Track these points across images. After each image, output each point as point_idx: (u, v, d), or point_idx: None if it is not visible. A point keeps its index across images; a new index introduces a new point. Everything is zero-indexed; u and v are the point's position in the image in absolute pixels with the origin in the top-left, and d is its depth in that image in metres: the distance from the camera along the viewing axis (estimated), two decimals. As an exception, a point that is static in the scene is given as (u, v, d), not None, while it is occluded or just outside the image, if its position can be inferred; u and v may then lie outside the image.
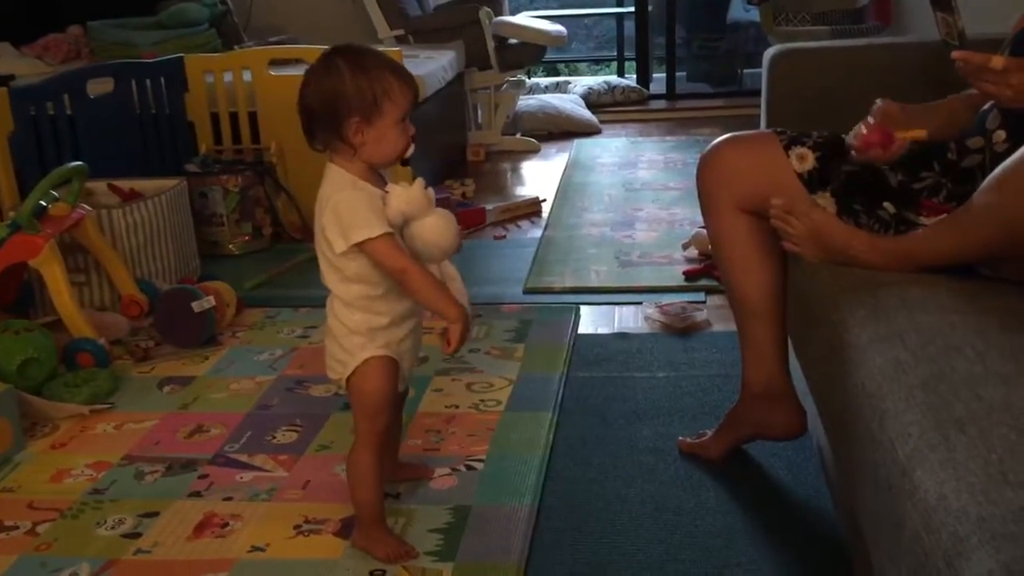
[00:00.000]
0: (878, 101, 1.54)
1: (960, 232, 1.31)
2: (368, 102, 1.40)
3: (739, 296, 1.70)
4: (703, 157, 1.69)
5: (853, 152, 1.52)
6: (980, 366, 1.06)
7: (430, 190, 1.46)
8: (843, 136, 1.63)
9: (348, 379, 1.51)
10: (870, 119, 1.51)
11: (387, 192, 1.44)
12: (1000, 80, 1.33)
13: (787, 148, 1.60)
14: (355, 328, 1.49)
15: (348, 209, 1.41)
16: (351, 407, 1.56)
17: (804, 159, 1.59)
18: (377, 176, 1.48)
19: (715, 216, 1.68)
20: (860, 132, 1.51)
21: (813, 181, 1.58)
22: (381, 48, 3.72)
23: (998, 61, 1.32)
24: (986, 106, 1.47)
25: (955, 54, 1.36)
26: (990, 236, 1.27)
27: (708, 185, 1.68)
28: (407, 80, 1.44)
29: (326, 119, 1.42)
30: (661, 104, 5.42)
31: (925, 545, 0.86)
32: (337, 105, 1.41)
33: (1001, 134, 1.42)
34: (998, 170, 1.26)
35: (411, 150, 1.48)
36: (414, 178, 1.48)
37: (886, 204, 1.53)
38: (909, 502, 0.91)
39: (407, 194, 1.42)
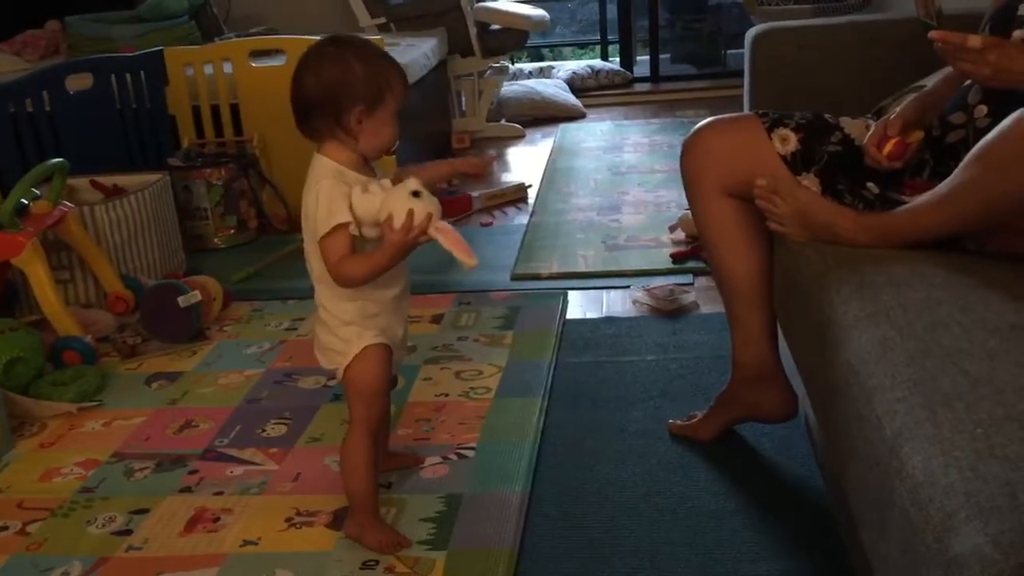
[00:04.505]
0: (895, 110, 1.52)
1: (943, 207, 1.31)
2: (374, 92, 1.42)
3: (726, 279, 1.70)
4: (686, 142, 1.69)
5: (871, 161, 1.51)
6: (966, 341, 1.06)
7: (374, 185, 1.43)
8: (825, 116, 1.63)
9: (345, 368, 1.51)
10: (889, 132, 1.49)
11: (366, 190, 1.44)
12: (978, 59, 1.32)
13: (770, 130, 1.60)
14: (349, 318, 1.49)
15: (326, 198, 1.42)
16: (346, 396, 1.55)
17: (787, 141, 1.59)
18: (367, 166, 1.49)
19: (700, 200, 1.68)
20: (873, 145, 1.49)
21: (796, 162, 1.58)
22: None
23: (975, 40, 1.31)
24: (967, 81, 1.47)
25: (932, 34, 1.35)
26: (972, 210, 1.28)
27: (692, 169, 1.68)
28: (404, 76, 1.47)
29: (328, 107, 1.43)
30: (645, 87, 5.41)
31: (914, 521, 0.87)
32: (343, 93, 1.42)
33: (983, 108, 1.42)
34: (978, 145, 1.26)
35: (396, 143, 1.50)
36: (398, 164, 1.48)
37: (869, 184, 1.53)
38: (897, 478, 0.92)
39: (358, 202, 1.41)
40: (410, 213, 1.36)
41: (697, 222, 1.73)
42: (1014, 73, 1.31)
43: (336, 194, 1.41)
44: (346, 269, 1.43)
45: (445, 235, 1.38)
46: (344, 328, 1.50)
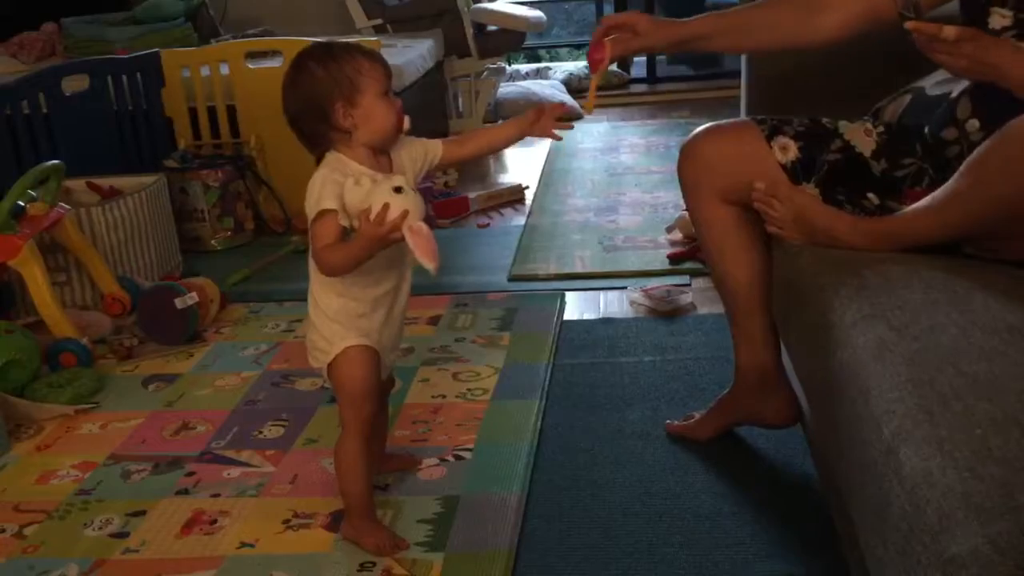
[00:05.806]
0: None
1: (941, 211, 1.30)
2: (344, 84, 1.42)
3: (728, 286, 1.69)
4: (683, 149, 1.68)
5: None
6: (963, 342, 1.06)
7: (367, 178, 1.42)
8: (823, 121, 1.62)
9: (329, 368, 1.52)
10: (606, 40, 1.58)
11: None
12: (953, 50, 1.29)
13: (769, 138, 1.58)
14: (334, 316, 1.50)
15: (318, 186, 1.43)
16: (336, 397, 1.55)
17: (787, 149, 1.57)
18: (383, 159, 1.49)
19: (699, 207, 1.67)
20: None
21: (797, 171, 1.55)
22: (359, 38, 3.72)
23: (950, 31, 1.27)
24: (954, 94, 1.46)
25: (908, 24, 1.31)
26: (969, 216, 1.27)
27: (690, 177, 1.67)
28: (375, 57, 1.47)
29: (313, 116, 1.44)
30: (642, 88, 5.42)
31: (911, 521, 0.87)
32: (318, 98, 1.43)
33: (975, 123, 1.40)
34: (975, 152, 1.25)
35: (408, 123, 1.49)
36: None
37: (870, 194, 1.52)
38: (895, 479, 0.92)
39: (349, 193, 1.41)
40: (385, 206, 1.36)
41: (696, 228, 1.72)
42: (987, 65, 1.29)
43: (328, 182, 1.41)
44: (328, 256, 1.43)
45: (415, 235, 1.37)
46: (329, 326, 1.50)
